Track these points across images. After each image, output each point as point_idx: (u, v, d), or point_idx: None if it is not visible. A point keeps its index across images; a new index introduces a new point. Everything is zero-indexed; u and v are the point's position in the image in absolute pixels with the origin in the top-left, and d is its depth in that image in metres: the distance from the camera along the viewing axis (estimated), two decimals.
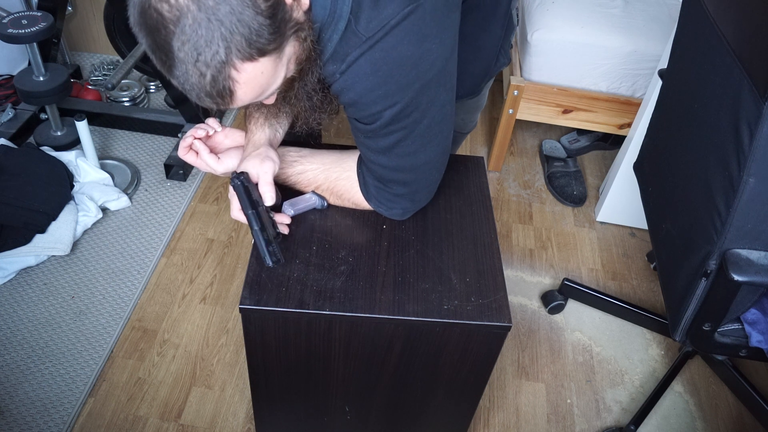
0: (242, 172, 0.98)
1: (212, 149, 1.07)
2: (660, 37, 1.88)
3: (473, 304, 0.98)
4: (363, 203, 1.07)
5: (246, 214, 0.96)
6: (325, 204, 1.09)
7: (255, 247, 0.99)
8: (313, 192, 1.08)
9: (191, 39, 0.69)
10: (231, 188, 0.98)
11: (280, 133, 1.09)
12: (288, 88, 0.87)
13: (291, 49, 0.78)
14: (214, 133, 1.07)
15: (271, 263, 0.96)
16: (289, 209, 1.06)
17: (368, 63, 0.83)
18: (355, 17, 0.81)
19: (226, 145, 1.09)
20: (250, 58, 0.72)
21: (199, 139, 1.04)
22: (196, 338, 1.61)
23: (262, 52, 0.73)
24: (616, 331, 1.73)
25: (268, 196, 0.99)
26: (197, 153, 1.04)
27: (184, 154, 1.04)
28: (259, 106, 1.04)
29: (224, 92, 0.74)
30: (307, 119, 0.96)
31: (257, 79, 0.75)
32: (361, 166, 1.04)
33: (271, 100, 0.88)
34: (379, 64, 0.83)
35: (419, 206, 1.09)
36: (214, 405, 1.48)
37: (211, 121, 1.07)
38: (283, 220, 1.05)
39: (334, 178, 1.06)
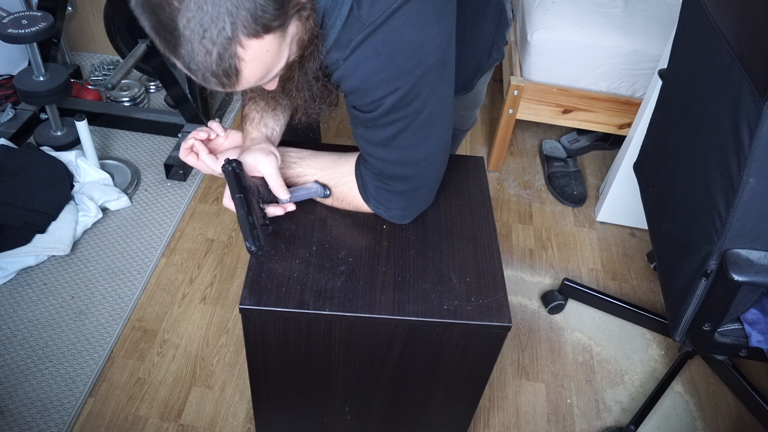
0: (234, 159, 0.97)
1: (212, 151, 1.06)
2: (660, 37, 1.88)
3: (473, 304, 0.98)
4: (363, 206, 1.07)
5: (233, 198, 0.94)
6: (327, 192, 1.07)
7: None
8: (316, 181, 1.07)
9: (197, 15, 0.68)
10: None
11: (278, 132, 1.09)
12: (288, 77, 0.87)
13: (294, 29, 0.77)
14: (216, 137, 1.07)
15: (253, 248, 0.90)
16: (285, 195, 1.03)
17: (371, 46, 0.83)
18: (357, 3, 0.81)
19: (225, 146, 1.09)
20: (256, 34, 0.71)
21: (200, 141, 1.04)
22: (196, 338, 1.61)
23: (267, 29, 0.72)
24: (616, 331, 1.73)
25: (282, 191, 0.99)
26: (197, 155, 1.04)
27: (185, 156, 1.03)
28: (257, 100, 1.03)
29: (230, 71, 0.74)
30: (307, 110, 0.95)
31: (262, 57, 0.75)
32: (359, 167, 1.03)
33: (273, 86, 0.87)
34: (381, 47, 0.83)
35: (419, 208, 1.08)
36: (214, 405, 1.48)
37: (214, 125, 1.07)
38: (287, 208, 1.04)
39: (332, 184, 1.06)
